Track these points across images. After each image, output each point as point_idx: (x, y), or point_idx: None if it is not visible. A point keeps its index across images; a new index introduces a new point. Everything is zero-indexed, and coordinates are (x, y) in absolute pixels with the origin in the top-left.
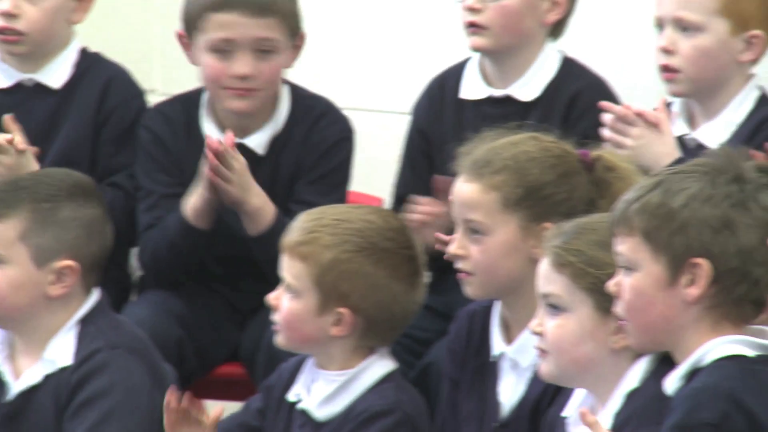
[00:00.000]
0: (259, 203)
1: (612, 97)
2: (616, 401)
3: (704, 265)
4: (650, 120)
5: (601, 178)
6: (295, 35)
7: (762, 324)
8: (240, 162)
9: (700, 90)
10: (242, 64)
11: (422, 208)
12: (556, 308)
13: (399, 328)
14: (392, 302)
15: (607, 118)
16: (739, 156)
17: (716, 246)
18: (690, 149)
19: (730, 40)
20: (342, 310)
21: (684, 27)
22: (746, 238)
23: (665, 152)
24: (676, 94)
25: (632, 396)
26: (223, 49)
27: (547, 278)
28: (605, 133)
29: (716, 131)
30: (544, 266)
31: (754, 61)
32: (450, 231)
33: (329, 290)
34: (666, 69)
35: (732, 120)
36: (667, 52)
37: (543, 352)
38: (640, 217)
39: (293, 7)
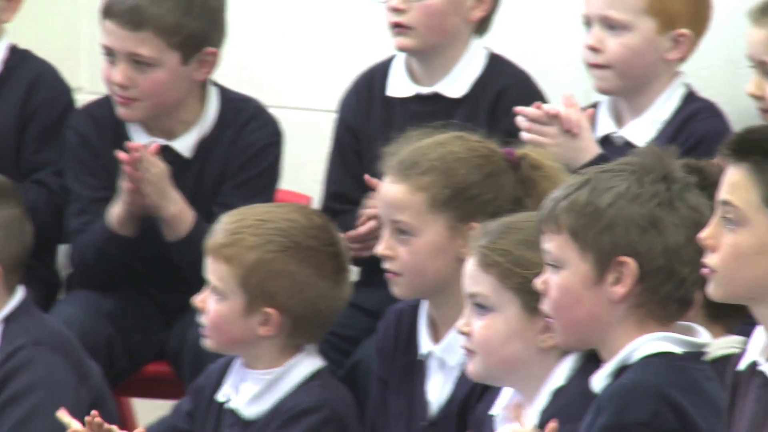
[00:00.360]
0: (177, 210)
1: (538, 93)
2: (542, 399)
3: (630, 264)
4: (563, 123)
5: (527, 176)
6: (189, 50)
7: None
8: (158, 168)
9: (628, 88)
10: (117, 73)
11: (371, 211)
12: (483, 308)
13: (326, 326)
14: (318, 300)
15: (521, 121)
16: (668, 155)
17: (642, 245)
18: (617, 147)
19: (657, 38)
20: (269, 309)
21: (611, 25)
22: (673, 237)
23: (583, 148)
24: (604, 92)
25: (558, 394)
26: (109, 56)
27: (474, 278)
28: (523, 134)
29: (643, 129)
30: (471, 266)
31: (681, 60)
32: None
33: (255, 291)
34: (594, 67)
35: (658, 117)
36: (594, 50)
37: (470, 352)
38: (567, 215)
39: (180, 23)
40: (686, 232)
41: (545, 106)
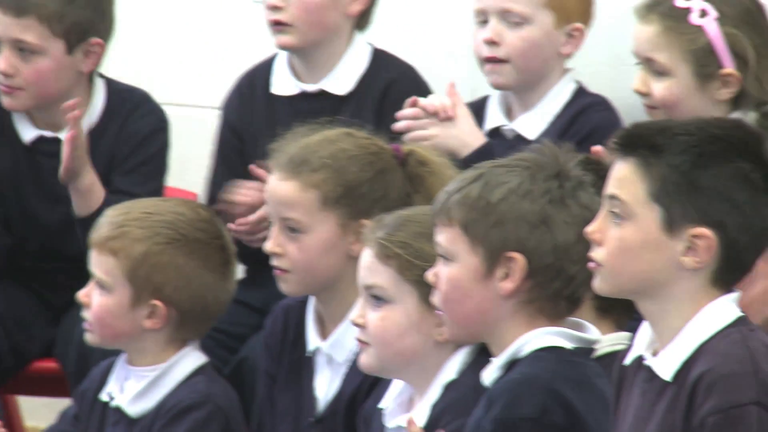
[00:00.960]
0: (90, 183)
1: (424, 86)
2: (433, 392)
3: (519, 260)
4: (439, 112)
5: (415, 172)
6: (74, 39)
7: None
8: (81, 133)
9: (524, 82)
10: (1, 61)
11: (245, 191)
12: (380, 300)
13: (211, 320)
14: (206, 293)
15: (400, 125)
16: (563, 153)
17: (532, 241)
18: (508, 140)
19: (554, 32)
20: (155, 302)
21: (511, 19)
22: (563, 235)
23: (466, 133)
24: (499, 87)
25: (449, 387)
26: None
27: (372, 270)
28: (407, 136)
29: (533, 122)
30: (368, 258)
31: (572, 54)
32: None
33: (142, 283)
34: (491, 61)
35: (549, 111)
36: (492, 43)
37: (363, 344)
38: (459, 208)
39: (64, 11)
40: (577, 230)
41: (421, 101)
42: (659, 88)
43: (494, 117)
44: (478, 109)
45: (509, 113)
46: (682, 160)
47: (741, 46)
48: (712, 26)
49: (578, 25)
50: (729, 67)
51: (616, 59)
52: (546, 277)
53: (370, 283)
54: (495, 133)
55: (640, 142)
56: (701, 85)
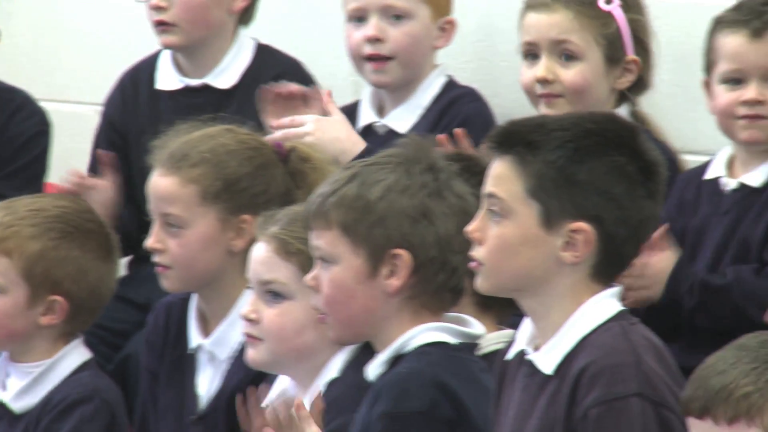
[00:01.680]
0: None
1: (309, 79)
2: (316, 390)
3: (404, 256)
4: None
5: (297, 169)
6: None
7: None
8: None
9: (406, 78)
10: None
11: (75, 179)
12: (278, 296)
13: (99, 310)
14: (100, 282)
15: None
16: (429, 145)
17: (415, 236)
18: (380, 136)
19: (431, 26)
20: (55, 297)
21: (393, 14)
22: (443, 226)
23: (344, 138)
24: (382, 85)
25: (332, 385)
26: None
27: (270, 265)
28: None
29: (405, 116)
30: (265, 253)
31: (444, 47)
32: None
33: (40, 280)
34: (374, 59)
35: (419, 104)
36: (376, 41)
37: (254, 339)
38: (337, 210)
39: None
40: (456, 220)
41: (290, 86)
42: (569, 73)
43: (366, 114)
44: (350, 112)
45: (381, 110)
46: (558, 155)
47: (644, 33)
48: (618, 12)
49: (450, 18)
50: (632, 54)
51: (486, 57)
52: (430, 270)
53: (268, 279)
54: (368, 131)
55: (516, 140)
56: (608, 71)
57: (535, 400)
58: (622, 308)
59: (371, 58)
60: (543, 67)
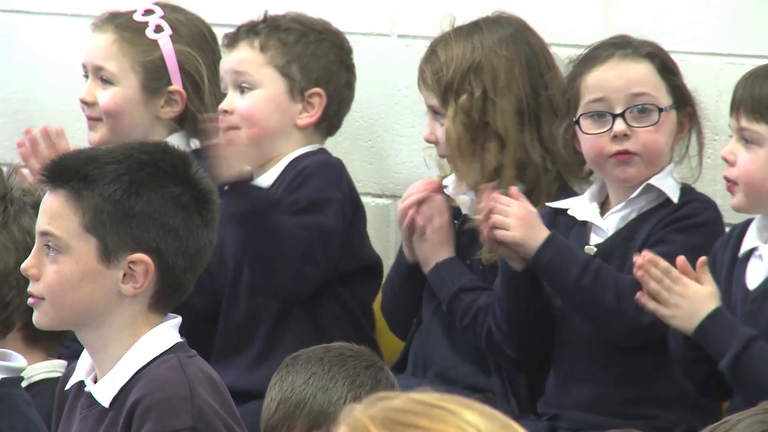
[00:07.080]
0: None
1: None
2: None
3: None
4: None
5: None
6: None
7: None
8: None
9: None
10: None
11: None
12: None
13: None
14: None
15: None
16: (9, 175)
17: None
18: None
19: None
20: None
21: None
22: (2, 260)
23: None
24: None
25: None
26: None
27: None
28: None
29: None
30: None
31: None
32: None
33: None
34: None
35: None
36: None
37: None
38: None
39: None
40: (17, 255)
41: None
42: (104, 96)
43: None
44: None
45: None
46: (114, 189)
47: (192, 66)
48: (165, 41)
49: None
50: (177, 85)
51: None
52: None
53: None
54: None
55: (70, 174)
56: (147, 98)
57: None
58: (180, 340)
59: None
60: (86, 90)
